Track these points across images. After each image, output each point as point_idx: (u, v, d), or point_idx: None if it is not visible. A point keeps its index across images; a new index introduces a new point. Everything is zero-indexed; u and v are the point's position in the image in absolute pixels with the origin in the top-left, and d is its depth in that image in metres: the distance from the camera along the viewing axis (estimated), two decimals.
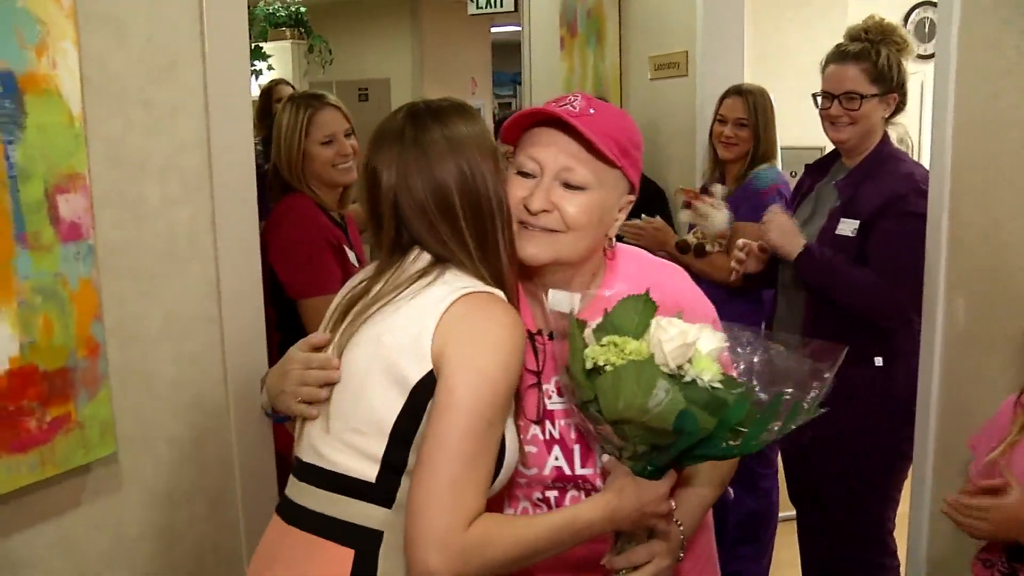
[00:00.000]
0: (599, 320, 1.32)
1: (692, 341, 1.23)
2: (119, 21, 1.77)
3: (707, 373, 1.23)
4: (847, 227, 2.33)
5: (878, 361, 2.33)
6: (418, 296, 1.25)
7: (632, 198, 1.44)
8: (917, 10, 4.99)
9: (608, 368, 1.22)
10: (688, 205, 3.08)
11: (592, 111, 1.36)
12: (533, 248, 1.36)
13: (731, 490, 3.15)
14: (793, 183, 2.94)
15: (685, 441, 1.22)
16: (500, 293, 1.29)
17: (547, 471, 1.42)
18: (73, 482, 1.72)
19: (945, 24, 2.13)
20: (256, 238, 2.04)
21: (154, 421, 1.90)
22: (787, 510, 3.53)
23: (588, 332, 1.31)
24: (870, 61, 2.35)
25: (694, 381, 1.23)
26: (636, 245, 3.23)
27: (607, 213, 1.40)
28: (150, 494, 1.91)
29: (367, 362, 1.26)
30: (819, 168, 2.58)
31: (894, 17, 2.48)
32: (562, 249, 1.37)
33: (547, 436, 1.41)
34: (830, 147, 2.67)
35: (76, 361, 1.64)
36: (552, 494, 1.43)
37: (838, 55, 2.41)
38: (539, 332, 1.42)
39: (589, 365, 1.24)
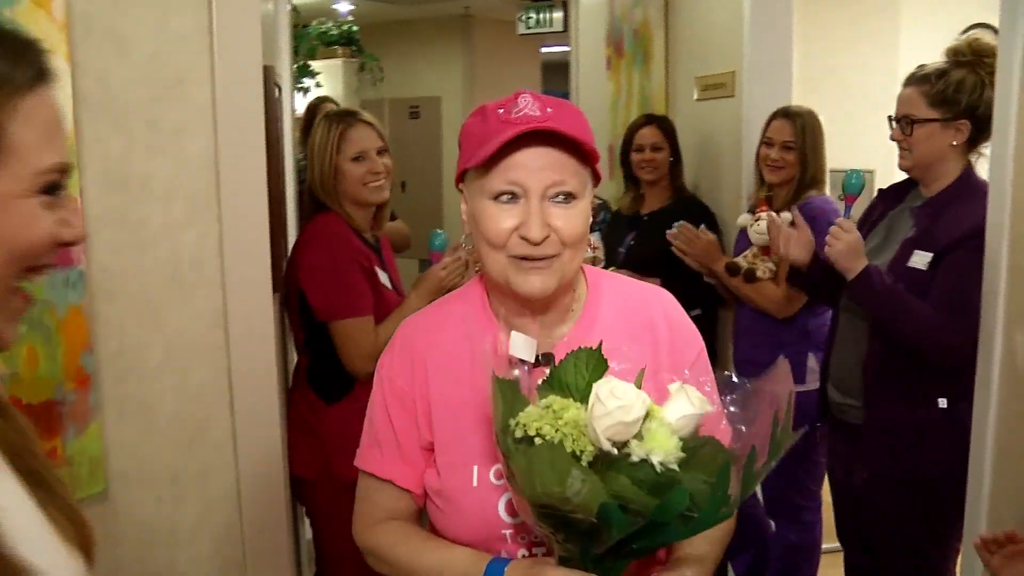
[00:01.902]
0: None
1: (634, 420, 1.01)
2: (122, 36, 1.69)
3: (659, 452, 1.01)
4: (920, 260, 2.16)
5: (942, 403, 2.17)
6: None
7: (595, 189, 1.29)
8: (974, 31, 4.77)
9: (537, 440, 1.02)
10: (752, 211, 2.93)
11: (550, 109, 1.20)
12: (539, 282, 1.21)
13: (772, 523, 3.01)
14: (841, 207, 2.80)
15: (618, 532, 1.00)
16: None
17: None
18: None
19: (1007, 44, 1.97)
20: (267, 263, 1.94)
21: (153, 456, 1.81)
22: (831, 541, 3.37)
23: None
24: (929, 83, 2.20)
25: (643, 460, 1.01)
26: (682, 253, 3.12)
27: (588, 217, 1.26)
28: (149, 533, 1.82)
29: None
30: (894, 194, 2.41)
31: (949, 38, 2.30)
32: (565, 272, 1.23)
33: None
34: (882, 172, 2.54)
35: (64, 394, 1.55)
36: (542, 548, 1.26)
37: (907, 77, 2.27)
38: (522, 362, 1.24)
39: (519, 433, 1.04)
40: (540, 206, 1.18)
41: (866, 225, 2.43)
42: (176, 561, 1.86)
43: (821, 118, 2.95)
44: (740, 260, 2.95)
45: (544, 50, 9.04)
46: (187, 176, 1.81)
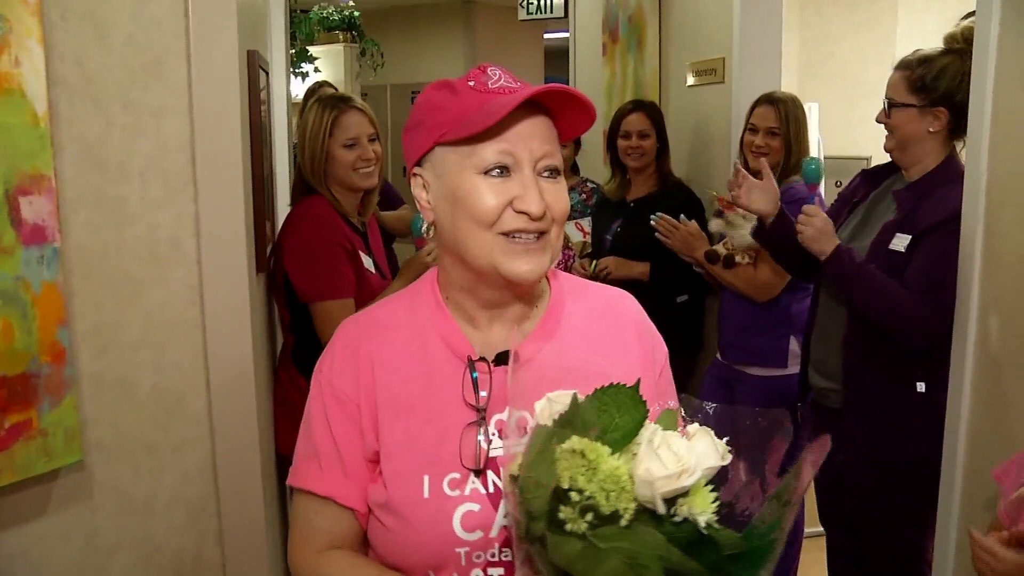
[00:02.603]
0: (562, 402, 0.98)
1: (693, 473, 0.89)
2: (98, 19, 1.73)
3: (703, 512, 0.90)
4: (901, 242, 2.19)
5: (920, 387, 2.20)
6: None
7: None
8: (971, 18, 4.75)
9: (574, 495, 0.87)
10: (720, 214, 2.98)
11: (519, 82, 1.15)
12: (530, 263, 1.11)
13: None
14: (835, 193, 2.82)
15: None
16: None
17: (494, 533, 1.11)
18: (37, 490, 1.68)
19: (983, 32, 1.99)
20: (242, 242, 1.98)
21: (131, 428, 1.86)
22: (813, 526, 3.40)
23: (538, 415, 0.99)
24: (911, 69, 2.22)
25: (685, 520, 0.90)
26: (664, 243, 3.14)
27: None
28: (126, 503, 1.87)
29: None
30: (876, 176, 2.45)
31: (948, 26, 2.30)
32: (553, 253, 1.15)
33: (491, 489, 1.12)
34: (877, 159, 2.56)
35: (39, 367, 1.60)
36: (500, 568, 1.13)
37: (899, 61, 2.30)
38: (481, 359, 1.17)
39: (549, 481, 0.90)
40: (531, 178, 1.10)
41: (847, 205, 2.46)
42: (153, 531, 1.91)
43: (817, 105, 2.97)
44: (719, 247, 2.98)
45: (548, 36, 9.02)
46: (164, 157, 1.85)
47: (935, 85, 2.20)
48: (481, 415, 1.15)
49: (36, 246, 1.57)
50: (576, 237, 3.54)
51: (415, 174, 1.17)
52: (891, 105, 2.22)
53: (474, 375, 1.15)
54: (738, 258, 2.92)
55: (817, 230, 2.25)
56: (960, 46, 2.20)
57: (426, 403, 1.15)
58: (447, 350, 1.18)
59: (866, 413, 2.25)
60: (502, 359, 1.16)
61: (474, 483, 1.12)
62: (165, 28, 1.83)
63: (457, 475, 1.12)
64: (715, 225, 3.01)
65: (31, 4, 1.53)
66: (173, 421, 1.92)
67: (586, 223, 3.56)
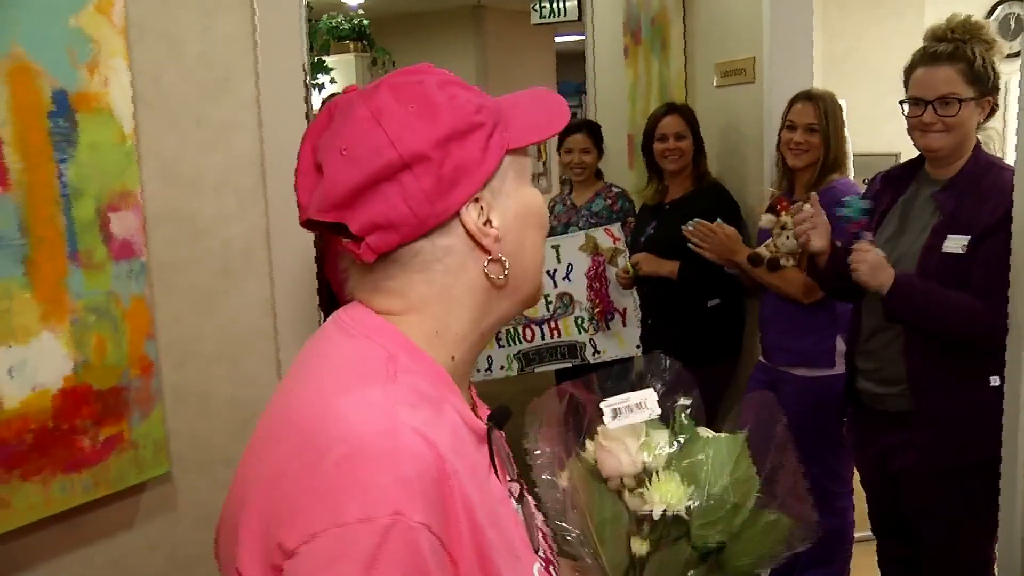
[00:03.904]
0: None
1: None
2: (173, 37, 1.76)
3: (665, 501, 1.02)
4: (955, 244, 2.13)
5: (994, 381, 2.10)
6: None
7: None
8: (1002, 6, 4.78)
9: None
10: (774, 211, 2.94)
11: None
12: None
13: None
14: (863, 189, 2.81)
15: None
16: None
17: None
18: (127, 502, 1.71)
19: None
20: (311, 254, 2.01)
21: (209, 441, 1.88)
22: (863, 529, 3.40)
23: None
24: (966, 61, 2.16)
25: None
26: (700, 249, 3.16)
27: None
28: (206, 515, 1.88)
29: None
30: (900, 179, 2.39)
31: (977, 14, 2.28)
32: None
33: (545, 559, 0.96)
34: (906, 155, 2.52)
35: (129, 380, 1.63)
36: None
37: (928, 57, 2.21)
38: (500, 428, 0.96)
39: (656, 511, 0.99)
40: None
41: (875, 215, 2.38)
42: None
43: (843, 102, 2.97)
44: (762, 250, 2.93)
45: (559, 39, 9.05)
46: (235, 171, 1.88)
47: (988, 75, 2.17)
48: (520, 488, 0.97)
49: (125, 261, 1.60)
50: (606, 243, 3.54)
51: (477, 199, 0.88)
52: (959, 101, 2.15)
53: (491, 446, 0.93)
54: (783, 261, 2.89)
55: (871, 266, 2.20)
56: (959, 35, 2.18)
57: (500, 491, 0.92)
58: (467, 428, 0.89)
59: (938, 415, 2.19)
60: (496, 418, 0.95)
61: (537, 567, 0.93)
62: (234, 44, 1.86)
63: (538, 564, 0.93)
64: (765, 221, 2.98)
65: (118, 24, 1.56)
66: (249, 433, 1.93)
67: (616, 229, 3.56)
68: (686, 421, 1.10)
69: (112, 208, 1.57)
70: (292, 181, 1.96)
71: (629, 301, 3.46)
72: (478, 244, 0.88)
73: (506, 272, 0.89)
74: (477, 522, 0.81)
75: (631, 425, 1.03)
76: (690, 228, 3.09)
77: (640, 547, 1.01)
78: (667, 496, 1.00)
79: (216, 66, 1.84)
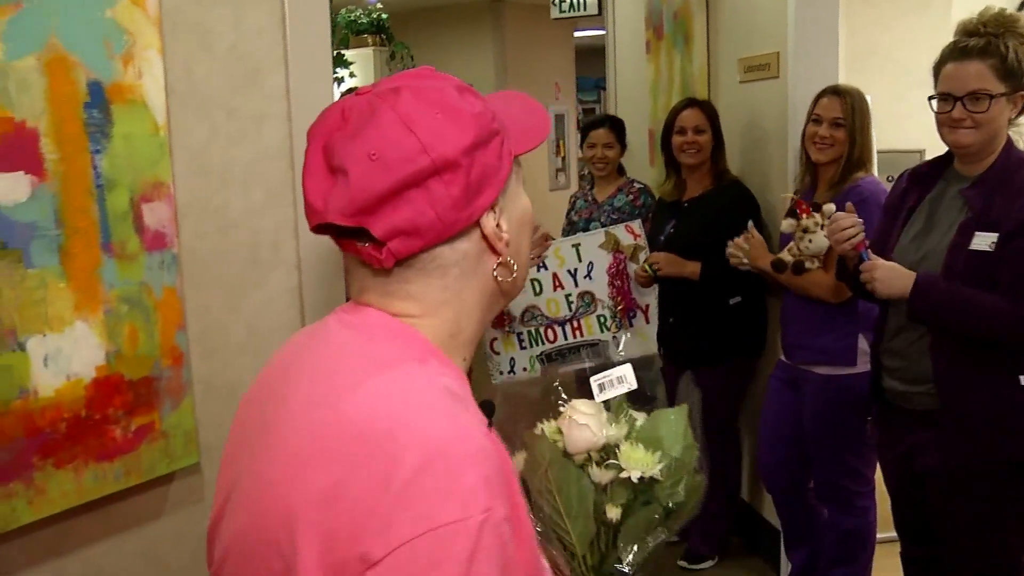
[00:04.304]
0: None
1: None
2: (205, 29, 1.76)
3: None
4: (983, 241, 2.10)
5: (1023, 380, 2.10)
6: None
7: None
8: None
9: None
10: (795, 215, 2.90)
11: None
12: None
13: (825, 510, 3.02)
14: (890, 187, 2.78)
15: None
16: None
17: None
18: (156, 492, 1.72)
19: None
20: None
21: None
22: (887, 530, 3.38)
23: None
24: (998, 56, 2.13)
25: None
26: (738, 265, 3.12)
27: None
28: None
29: None
30: (927, 176, 2.36)
31: (1009, 7, 2.24)
32: None
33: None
34: (931, 152, 2.50)
35: (160, 370, 1.64)
36: None
37: (958, 52, 2.18)
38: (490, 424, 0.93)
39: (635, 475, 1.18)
40: None
41: (902, 212, 2.37)
42: None
43: (868, 97, 2.96)
44: (785, 255, 2.91)
45: (578, 34, 9.02)
46: (264, 163, 1.89)
47: (1021, 70, 2.13)
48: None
49: (157, 252, 1.61)
50: (627, 240, 3.52)
51: (492, 205, 0.90)
52: (989, 97, 2.13)
53: None
54: (808, 263, 2.87)
55: (882, 280, 2.19)
56: (992, 30, 2.14)
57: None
58: None
59: (965, 416, 2.16)
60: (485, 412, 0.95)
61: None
62: (265, 36, 1.86)
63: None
64: (787, 226, 2.94)
65: (152, 16, 1.57)
66: None
67: (636, 225, 3.54)
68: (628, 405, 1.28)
69: (145, 199, 1.58)
70: None
71: (652, 298, 3.44)
72: (490, 247, 0.90)
73: (514, 274, 0.92)
74: (525, 511, 0.86)
75: (594, 404, 1.19)
76: (731, 251, 3.09)
77: (614, 512, 1.15)
78: (640, 462, 1.15)
79: (247, 58, 1.84)
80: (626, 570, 1.16)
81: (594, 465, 1.17)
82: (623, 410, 1.26)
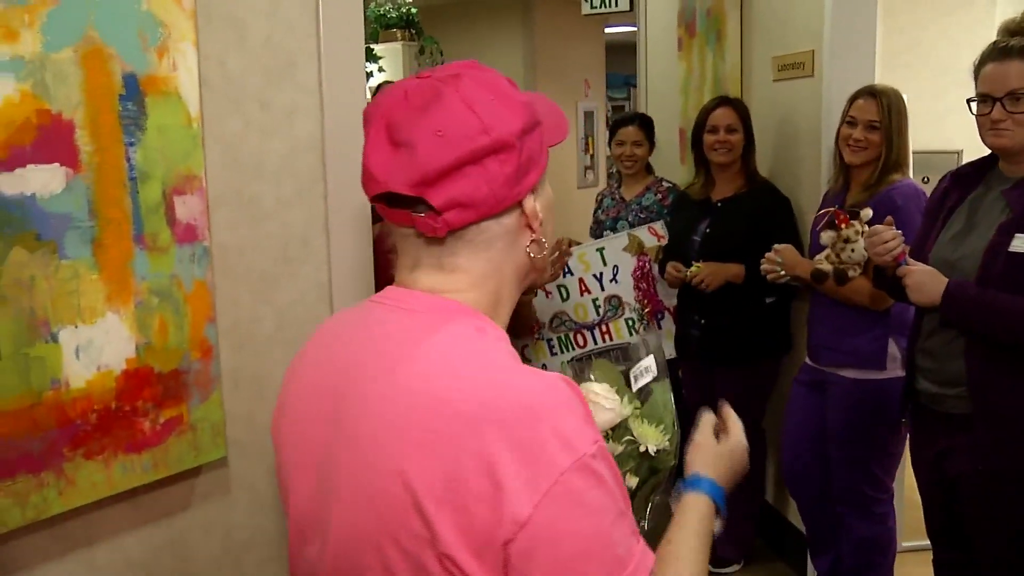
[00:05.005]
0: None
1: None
2: (239, 21, 1.76)
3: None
4: (1023, 243, 2.06)
5: None
6: None
7: None
8: None
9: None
10: (834, 226, 2.80)
11: None
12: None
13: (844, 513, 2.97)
14: (926, 190, 2.73)
15: None
16: None
17: None
18: (183, 485, 1.72)
19: None
20: (369, 240, 2.00)
21: (265, 426, 1.88)
22: (913, 539, 3.33)
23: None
24: None
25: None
26: (775, 278, 3.06)
27: None
28: (260, 500, 1.90)
29: None
30: (969, 177, 2.33)
31: None
32: None
33: None
34: (969, 152, 2.45)
35: (189, 363, 1.64)
36: None
37: (999, 52, 2.14)
38: None
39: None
40: None
41: (942, 213, 2.34)
42: (283, 528, 1.93)
43: (905, 96, 2.90)
44: (823, 265, 2.82)
45: (608, 30, 8.97)
46: (296, 156, 1.88)
47: None
48: None
49: (188, 244, 1.61)
50: (651, 242, 3.48)
51: (533, 188, 0.99)
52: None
53: None
54: (851, 272, 2.80)
55: (915, 288, 2.19)
56: None
57: None
58: None
59: (998, 419, 2.13)
60: None
61: None
62: (298, 29, 1.86)
63: None
64: (827, 238, 2.87)
65: (187, 8, 1.56)
66: None
67: (660, 227, 3.50)
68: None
69: (177, 191, 1.58)
70: (352, 167, 1.96)
71: (675, 299, 3.40)
72: (527, 226, 0.99)
73: (543, 251, 1.01)
74: None
75: (606, 386, 1.34)
76: (767, 267, 3.00)
77: (632, 481, 1.27)
78: (654, 437, 1.28)
79: (280, 51, 1.84)
80: (646, 526, 1.30)
81: (610, 440, 1.28)
82: (624, 390, 1.39)
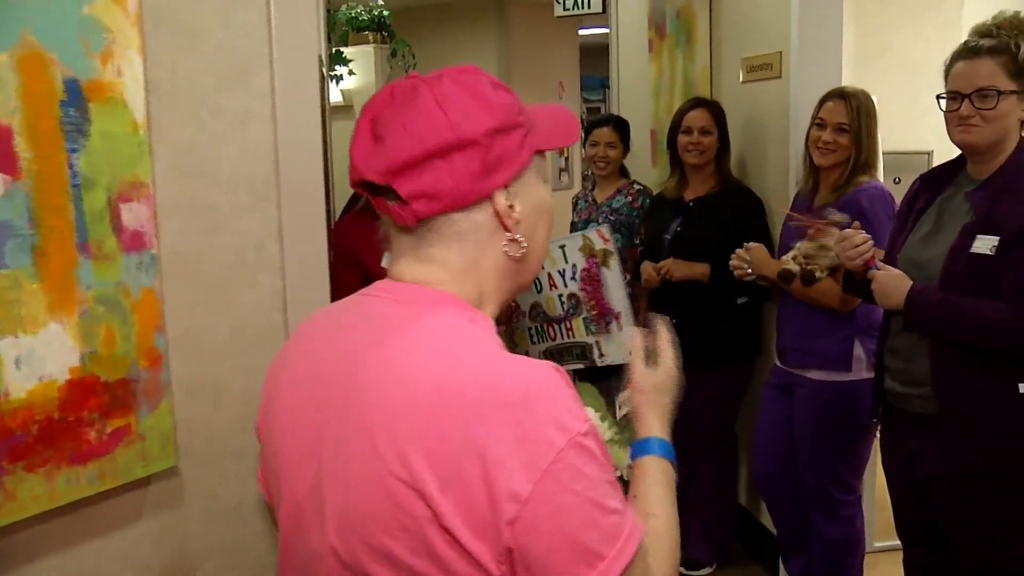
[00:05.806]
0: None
1: None
2: (190, 27, 1.74)
3: None
4: (985, 244, 2.07)
5: (1023, 388, 2.06)
6: None
7: None
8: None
9: None
10: (805, 235, 2.78)
11: None
12: None
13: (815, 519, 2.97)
14: (897, 191, 2.73)
15: None
16: None
17: None
18: (133, 495, 1.69)
19: None
20: (324, 247, 1.98)
21: (220, 434, 1.86)
22: (885, 539, 3.34)
23: None
24: (1009, 54, 2.10)
25: None
26: (743, 277, 3.06)
27: None
28: (215, 509, 1.88)
29: None
30: (939, 179, 2.34)
31: (1023, 9, 2.21)
32: None
33: None
34: (940, 153, 2.46)
35: (138, 372, 1.61)
36: None
37: (968, 51, 2.16)
38: None
39: None
40: None
41: (911, 215, 2.34)
42: (242, 536, 1.91)
43: (876, 97, 2.90)
44: (790, 265, 2.82)
45: (583, 32, 8.97)
46: (249, 163, 1.86)
47: None
48: None
49: (136, 252, 1.59)
50: (598, 244, 3.48)
51: (506, 186, 1.02)
52: (997, 93, 2.09)
53: None
54: (819, 273, 2.79)
55: (881, 293, 2.22)
56: (1007, 32, 2.12)
57: None
58: None
59: (962, 419, 2.13)
60: None
61: None
62: (252, 35, 1.84)
63: None
64: (805, 247, 2.80)
65: (131, 15, 1.54)
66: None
67: (606, 230, 3.45)
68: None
69: (123, 199, 1.55)
70: (305, 173, 1.95)
71: (625, 306, 3.36)
72: (502, 224, 1.02)
73: (523, 250, 1.04)
74: None
75: (591, 411, 1.34)
76: (733, 263, 3.02)
77: None
78: (622, 461, 1.32)
79: (234, 56, 1.81)
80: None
81: None
82: (607, 417, 1.44)
